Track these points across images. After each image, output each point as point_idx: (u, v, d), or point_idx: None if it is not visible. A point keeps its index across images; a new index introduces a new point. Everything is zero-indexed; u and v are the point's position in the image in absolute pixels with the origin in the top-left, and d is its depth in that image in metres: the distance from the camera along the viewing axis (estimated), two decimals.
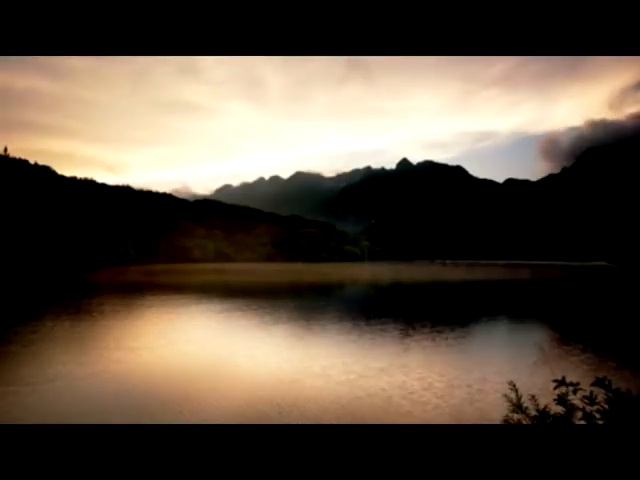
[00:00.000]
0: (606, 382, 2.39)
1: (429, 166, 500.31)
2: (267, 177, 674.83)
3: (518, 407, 2.71)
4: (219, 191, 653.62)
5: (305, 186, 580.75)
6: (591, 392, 2.45)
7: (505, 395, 2.80)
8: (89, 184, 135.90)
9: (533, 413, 2.62)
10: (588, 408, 2.41)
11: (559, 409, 2.53)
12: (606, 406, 2.37)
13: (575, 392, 2.54)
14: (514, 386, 2.81)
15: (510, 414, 2.70)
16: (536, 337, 17.95)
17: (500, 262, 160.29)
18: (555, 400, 2.57)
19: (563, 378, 2.60)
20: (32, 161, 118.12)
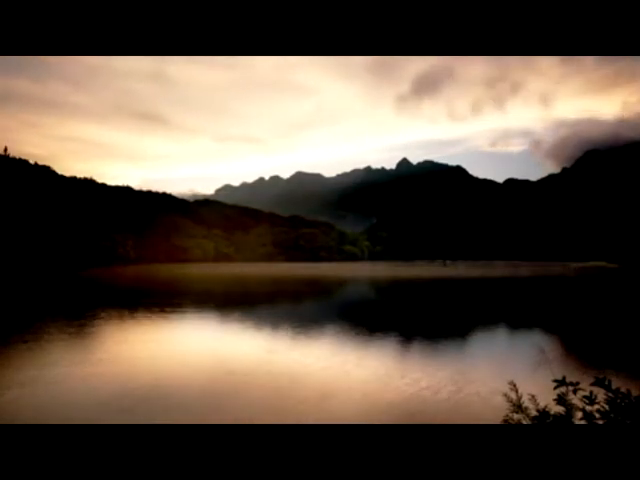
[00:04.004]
0: (606, 382, 2.39)
1: (429, 166, 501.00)
2: (267, 177, 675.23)
3: (518, 407, 2.71)
4: (219, 191, 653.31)
5: (305, 186, 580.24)
6: (591, 392, 2.45)
7: (505, 395, 2.80)
8: (89, 184, 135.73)
9: (533, 413, 2.61)
10: (588, 408, 2.41)
11: (559, 409, 2.53)
12: (606, 406, 2.37)
13: (575, 392, 2.54)
14: (514, 386, 2.81)
15: (510, 414, 2.70)
16: (536, 337, 17.93)
17: (500, 262, 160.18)
18: (555, 400, 2.56)
19: (563, 378, 2.60)
20: (32, 161, 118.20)
